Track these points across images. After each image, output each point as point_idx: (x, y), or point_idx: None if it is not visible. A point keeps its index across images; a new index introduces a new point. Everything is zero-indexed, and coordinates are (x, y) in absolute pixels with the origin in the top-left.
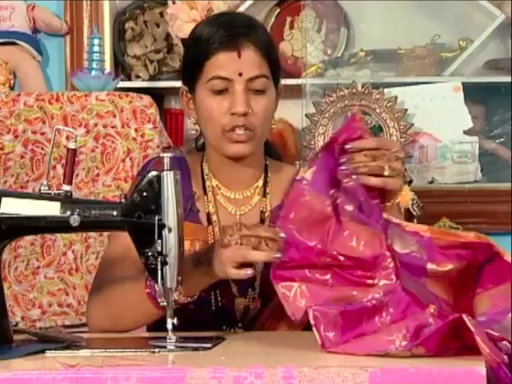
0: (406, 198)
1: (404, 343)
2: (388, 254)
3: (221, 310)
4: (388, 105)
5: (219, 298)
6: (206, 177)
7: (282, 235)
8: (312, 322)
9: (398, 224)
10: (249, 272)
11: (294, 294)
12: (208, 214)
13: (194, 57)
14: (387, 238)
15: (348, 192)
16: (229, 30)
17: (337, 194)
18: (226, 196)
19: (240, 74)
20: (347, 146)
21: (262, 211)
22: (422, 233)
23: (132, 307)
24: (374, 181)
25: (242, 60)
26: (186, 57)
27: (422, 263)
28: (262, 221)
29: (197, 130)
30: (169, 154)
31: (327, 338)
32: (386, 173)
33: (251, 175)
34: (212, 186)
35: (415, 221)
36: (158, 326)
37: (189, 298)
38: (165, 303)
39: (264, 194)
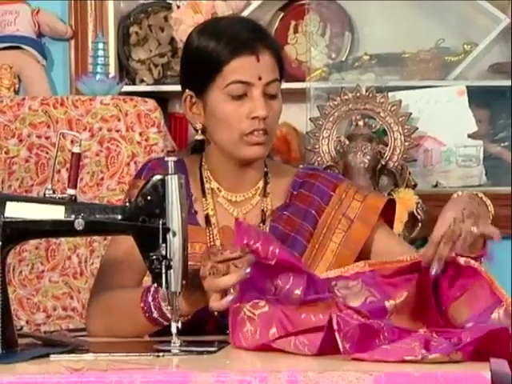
0: (410, 202)
1: (424, 351)
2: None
3: (221, 312)
4: (392, 108)
5: None
6: (205, 179)
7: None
8: (335, 327)
9: (337, 277)
10: (229, 299)
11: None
12: (207, 216)
13: (209, 61)
14: (339, 298)
15: (295, 276)
16: (247, 35)
17: (278, 283)
18: (226, 198)
19: (260, 78)
20: (432, 273)
21: (262, 210)
22: (361, 270)
23: (127, 318)
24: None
25: (261, 64)
26: (193, 62)
27: (381, 304)
28: (264, 220)
29: (196, 131)
30: (173, 158)
31: (344, 347)
32: (474, 230)
33: (253, 178)
34: (212, 189)
35: (420, 224)
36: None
37: (183, 318)
38: (168, 307)
39: (264, 194)
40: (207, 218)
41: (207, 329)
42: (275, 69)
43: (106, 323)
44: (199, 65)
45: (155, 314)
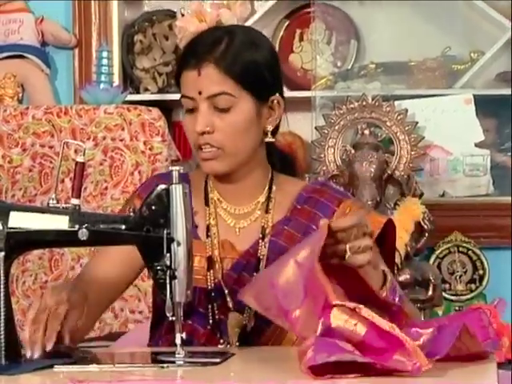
0: (416, 211)
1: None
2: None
3: (219, 326)
4: (398, 117)
5: (216, 313)
6: (209, 189)
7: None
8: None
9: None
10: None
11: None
12: (208, 227)
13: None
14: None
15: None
16: (192, 49)
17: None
18: (226, 209)
19: (200, 93)
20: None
21: (263, 226)
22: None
23: None
24: (334, 261)
25: (202, 78)
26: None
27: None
28: (263, 235)
29: None
30: (177, 168)
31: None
32: (346, 255)
33: (250, 191)
34: (214, 199)
35: (426, 234)
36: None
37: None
38: (173, 318)
39: (266, 210)
40: (208, 229)
41: (199, 341)
42: (223, 82)
43: None
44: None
45: None
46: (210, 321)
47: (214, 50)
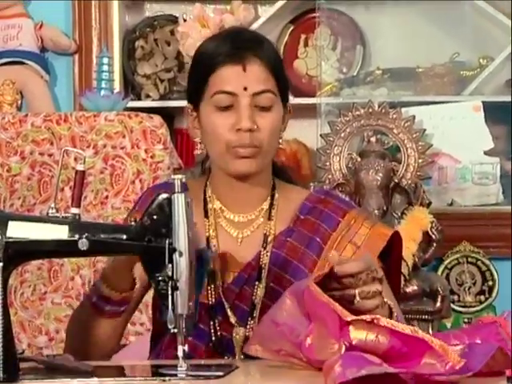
0: (424, 221)
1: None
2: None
3: (221, 342)
4: (406, 125)
5: (218, 329)
6: (208, 199)
7: None
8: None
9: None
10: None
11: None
12: (207, 238)
13: (198, 72)
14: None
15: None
16: (234, 44)
17: None
18: (228, 219)
19: (245, 89)
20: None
21: (265, 234)
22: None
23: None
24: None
25: (248, 74)
26: (190, 73)
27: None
28: (265, 244)
29: (202, 150)
30: (179, 176)
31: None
32: (355, 301)
33: (257, 196)
34: (214, 209)
35: (434, 244)
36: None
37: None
38: (175, 330)
39: (269, 217)
40: (208, 241)
41: (200, 359)
42: (268, 80)
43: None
44: (192, 75)
45: (94, 299)
46: (212, 337)
47: (258, 48)
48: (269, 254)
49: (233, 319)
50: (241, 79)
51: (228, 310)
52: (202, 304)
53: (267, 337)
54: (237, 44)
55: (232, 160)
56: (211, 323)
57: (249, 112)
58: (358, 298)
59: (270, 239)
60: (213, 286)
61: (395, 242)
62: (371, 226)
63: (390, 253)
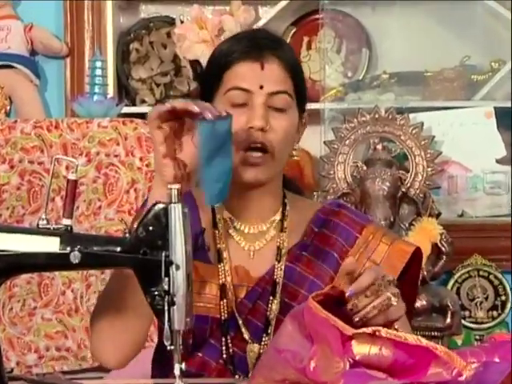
0: (433, 232)
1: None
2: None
3: (232, 359)
4: (414, 131)
5: (230, 345)
6: (216, 209)
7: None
8: None
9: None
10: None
11: None
12: (218, 251)
13: (212, 69)
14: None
15: None
16: (252, 41)
17: None
18: (239, 230)
19: (261, 87)
20: (347, 295)
21: (278, 247)
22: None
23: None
24: (392, 316)
25: (265, 72)
26: (203, 74)
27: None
28: (279, 257)
29: None
30: (176, 186)
31: None
32: (393, 302)
33: (268, 207)
34: (223, 220)
35: (444, 257)
36: (164, 373)
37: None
38: (171, 347)
39: (282, 229)
40: (219, 253)
41: (210, 376)
42: (285, 81)
43: (109, 324)
44: (206, 72)
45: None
46: (224, 354)
47: (277, 47)
48: (283, 267)
49: (246, 335)
50: (257, 77)
51: (241, 326)
52: (213, 319)
53: (270, 367)
54: (255, 41)
55: (242, 167)
56: (223, 339)
57: (263, 111)
58: (393, 301)
59: (283, 252)
60: (225, 300)
61: (415, 257)
62: (390, 243)
63: (408, 268)
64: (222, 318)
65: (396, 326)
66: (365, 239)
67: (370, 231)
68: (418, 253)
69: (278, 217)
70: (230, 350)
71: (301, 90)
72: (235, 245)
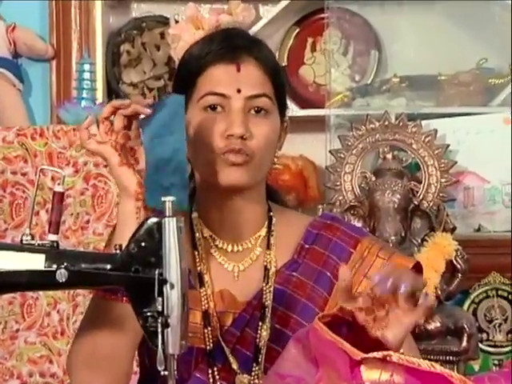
0: (448, 248)
1: None
2: None
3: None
4: (426, 140)
5: (217, 378)
6: (195, 228)
7: None
8: None
9: None
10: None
11: None
12: (199, 274)
13: (184, 75)
14: None
15: None
16: (226, 41)
17: None
18: (221, 249)
19: (239, 91)
20: (376, 279)
21: (265, 267)
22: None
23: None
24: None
25: (242, 74)
26: (175, 78)
27: None
28: (267, 279)
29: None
30: (171, 198)
31: None
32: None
33: (252, 221)
34: (204, 238)
35: (459, 275)
36: None
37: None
38: (166, 372)
39: (268, 246)
40: (200, 276)
41: None
42: (264, 83)
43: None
44: (178, 79)
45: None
46: None
47: (254, 47)
48: (272, 290)
49: (235, 365)
50: (234, 80)
51: (229, 356)
52: (198, 349)
53: None
54: (229, 41)
55: (221, 169)
56: (209, 371)
57: (242, 117)
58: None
59: (271, 273)
60: (209, 328)
61: (416, 273)
62: (388, 257)
63: None
64: (208, 348)
65: (401, 350)
66: (360, 254)
67: (366, 245)
68: (418, 268)
69: (263, 232)
70: (218, 383)
71: (281, 93)
72: (218, 266)
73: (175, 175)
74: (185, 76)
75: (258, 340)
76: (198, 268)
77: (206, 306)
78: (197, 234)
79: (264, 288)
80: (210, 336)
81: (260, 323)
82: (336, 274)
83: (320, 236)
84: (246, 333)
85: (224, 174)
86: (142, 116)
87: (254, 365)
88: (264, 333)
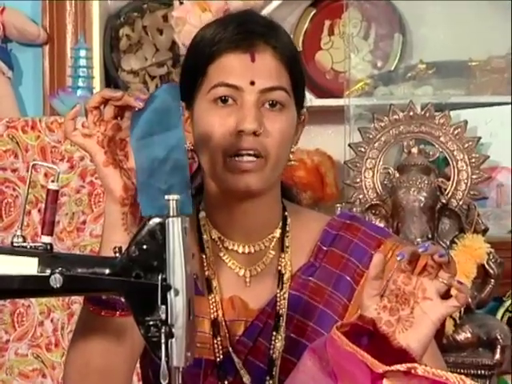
0: (479, 252)
1: None
2: None
3: None
4: (456, 132)
5: None
6: (202, 229)
7: None
8: None
9: None
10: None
11: None
12: (207, 279)
13: (194, 62)
14: None
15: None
16: (241, 28)
17: None
18: (231, 252)
19: (252, 83)
20: (398, 258)
21: (279, 271)
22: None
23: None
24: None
25: (257, 65)
26: (184, 65)
27: None
28: (282, 284)
29: (194, 160)
30: (175, 197)
31: None
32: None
33: (266, 221)
34: (212, 240)
35: (492, 281)
36: None
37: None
38: None
39: (282, 248)
40: (208, 282)
41: None
42: (281, 75)
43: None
44: (186, 66)
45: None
46: None
47: (271, 35)
48: (286, 296)
49: (246, 379)
50: (248, 71)
51: (240, 368)
52: (207, 361)
53: None
54: (244, 28)
55: (231, 174)
56: None
57: (255, 111)
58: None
59: (286, 278)
60: (219, 338)
61: None
62: None
63: None
64: (217, 360)
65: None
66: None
67: (389, 247)
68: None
69: (277, 233)
70: None
71: (299, 85)
72: (228, 270)
73: (174, 176)
74: (194, 63)
75: (271, 351)
76: (206, 273)
77: (215, 314)
78: (204, 236)
79: (278, 294)
80: (220, 347)
81: (274, 333)
82: (356, 278)
83: (339, 237)
84: (259, 343)
85: (234, 179)
86: (136, 109)
87: (268, 378)
88: (278, 343)
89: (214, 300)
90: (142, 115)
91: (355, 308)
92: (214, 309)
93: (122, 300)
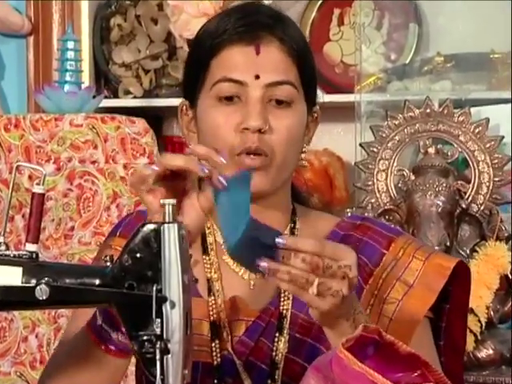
0: (502, 261)
1: None
2: None
3: None
4: (476, 130)
5: None
6: (207, 231)
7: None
8: None
9: None
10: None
11: None
12: (208, 281)
13: (197, 56)
14: None
15: None
16: (245, 19)
17: None
18: None
19: (257, 77)
20: (278, 240)
21: None
22: None
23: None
24: (290, 289)
25: (262, 58)
26: (187, 60)
27: None
28: (285, 290)
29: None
30: (171, 201)
31: None
32: (310, 291)
33: (273, 223)
34: (216, 243)
35: None
36: None
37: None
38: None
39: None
40: (209, 284)
41: None
42: (288, 69)
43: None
44: (189, 61)
45: (99, 321)
46: None
47: (278, 25)
48: (291, 296)
49: (247, 382)
50: (252, 64)
51: (240, 371)
52: (204, 365)
53: None
54: (248, 19)
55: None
56: None
57: (259, 107)
58: (314, 289)
59: None
60: (217, 340)
61: (460, 276)
62: (426, 258)
63: (451, 295)
64: (215, 362)
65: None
66: (394, 255)
67: (400, 245)
68: (461, 269)
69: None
70: None
71: (309, 79)
72: (231, 274)
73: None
74: (196, 57)
75: (274, 353)
76: (208, 275)
77: (215, 316)
78: (209, 238)
79: (282, 293)
80: (218, 349)
81: (277, 334)
82: (365, 277)
83: (348, 237)
84: (262, 343)
85: None
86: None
87: (269, 381)
88: (281, 345)
89: (213, 302)
90: (227, 195)
91: (363, 307)
92: (214, 311)
93: (125, 341)
